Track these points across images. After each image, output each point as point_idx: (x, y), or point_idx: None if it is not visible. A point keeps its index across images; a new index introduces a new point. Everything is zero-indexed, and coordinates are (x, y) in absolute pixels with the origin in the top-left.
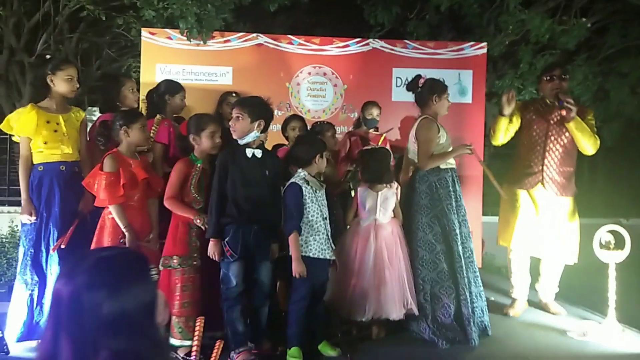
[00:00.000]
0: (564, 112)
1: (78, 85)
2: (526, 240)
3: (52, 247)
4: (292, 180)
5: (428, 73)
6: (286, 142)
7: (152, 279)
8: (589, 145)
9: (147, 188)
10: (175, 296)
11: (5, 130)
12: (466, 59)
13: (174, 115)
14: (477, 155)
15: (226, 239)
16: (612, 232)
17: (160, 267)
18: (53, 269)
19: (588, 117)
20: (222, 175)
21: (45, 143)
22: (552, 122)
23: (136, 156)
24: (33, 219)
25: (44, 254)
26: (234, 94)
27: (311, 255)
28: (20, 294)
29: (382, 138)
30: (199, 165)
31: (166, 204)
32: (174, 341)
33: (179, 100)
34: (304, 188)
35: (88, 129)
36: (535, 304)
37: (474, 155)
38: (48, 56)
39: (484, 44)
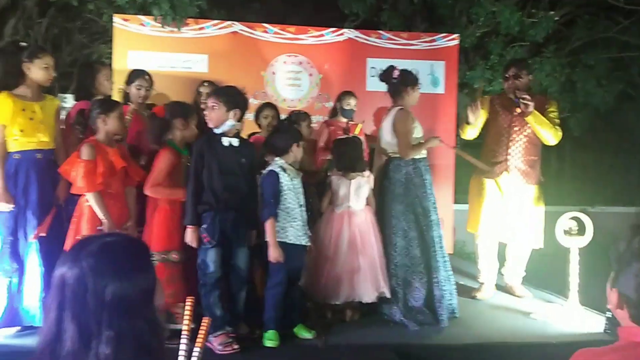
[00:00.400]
0: (518, 110)
1: (55, 74)
2: (493, 227)
3: (30, 235)
4: (270, 168)
5: (401, 63)
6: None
7: (153, 265)
8: (549, 135)
9: (124, 176)
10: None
11: None
12: (438, 50)
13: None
14: (446, 144)
15: (204, 226)
16: (575, 218)
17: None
18: (32, 257)
19: (550, 109)
20: (199, 163)
21: (21, 131)
22: (514, 114)
23: (114, 144)
24: (11, 207)
25: (22, 242)
26: (205, 84)
27: (288, 241)
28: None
29: (359, 128)
30: (185, 155)
31: (150, 192)
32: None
33: (135, 90)
34: (281, 176)
35: (61, 117)
36: (502, 287)
37: (447, 141)
38: (23, 44)
39: (456, 35)
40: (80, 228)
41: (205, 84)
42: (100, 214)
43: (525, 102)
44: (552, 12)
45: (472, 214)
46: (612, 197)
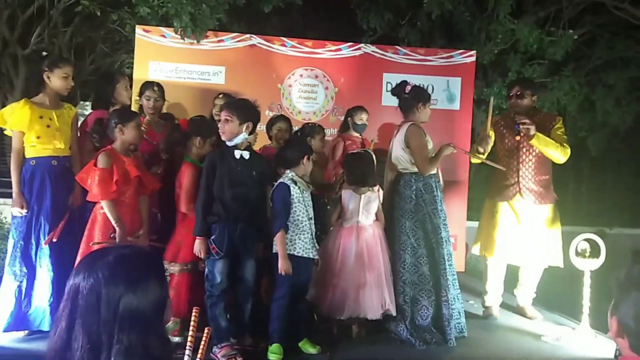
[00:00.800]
0: (518, 137)
1: (72, 84)
2: (507, 250)
3: (42, 240)
4: (281, 180)
5: (418, 79)
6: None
7: (166, 280)
8: (557, 154)
9: (138, 185)
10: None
11: (1, 125)
12: (455, 66)
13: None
14: (460, 149)
15: (212, 237)
16: (589, 240)
17: (175, 272)
18: (43, 262)
19: (556, 126)
20: (210, 175)
21: (38, 138)
22: (522, 135)
23: (129, 154)
24: (24, 212)
25: (34, 247)
26: (220, 96)
27: (296, 253)
28: (9, 285)
29: (372, 144)
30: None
31: (188, 209)
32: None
33: (145, 101)
34: (291, 188)
35: (79, 125)
36: (512, 308)
37: (460, 157)
38: (45, 53)
39: (473, 52)
40: (93, 234)
41: (221, 96)
42: (113, 222)
43: (525, 126)
44: (571, 31)
45: (483, 237)
46: (631, 218)
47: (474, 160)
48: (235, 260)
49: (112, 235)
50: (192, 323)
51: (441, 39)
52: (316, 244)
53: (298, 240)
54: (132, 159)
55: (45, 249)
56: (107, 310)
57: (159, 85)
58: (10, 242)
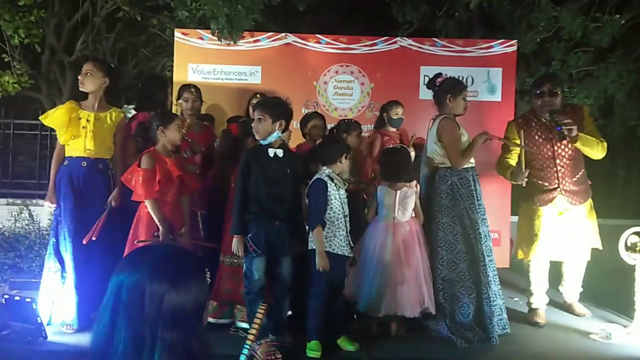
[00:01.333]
0: (564, 141)
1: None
2: (549, 250)
3: (68, 238)
4: (318, 176)
5: (456, 71)
6: (304, 140)
7: (207, 281)
8: (598, 153)
9: (180, 185)
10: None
11: (42, 119)
12: (495, 57)
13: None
14: (495, 136)
15: (249, 235)
16: (639, 234)
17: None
18: (67, 258)
19: (586, 117)
20: (246, 174)
21: (72, 138)
22: (554, 141)
23: (171, 155)
24: (53, 207)
25: (63, 243)
26: (258, 95)
27: (332, 250)
28: (47, 279)
29: (412, 139)
30: None
31: None
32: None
33: (183, 103)
34: (328, 185)
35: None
36: (559, 305)
37: (500, 149)
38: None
39: (514, 41)
40: (137, 233)
41: (258, 95)
42: (157, 220)
43: (568, 127)
44: (618, 16)
45: (525, 241)
46: None
47: (510, 144)
48: (273, 258)
49: (155, 234)
50: (257, 319)
51: (480, 29)
52: (351, 242)
53: (334, 237)
54: (174, 160)
55: (68, 248)
56: (150, 306)
57: (195, 87)
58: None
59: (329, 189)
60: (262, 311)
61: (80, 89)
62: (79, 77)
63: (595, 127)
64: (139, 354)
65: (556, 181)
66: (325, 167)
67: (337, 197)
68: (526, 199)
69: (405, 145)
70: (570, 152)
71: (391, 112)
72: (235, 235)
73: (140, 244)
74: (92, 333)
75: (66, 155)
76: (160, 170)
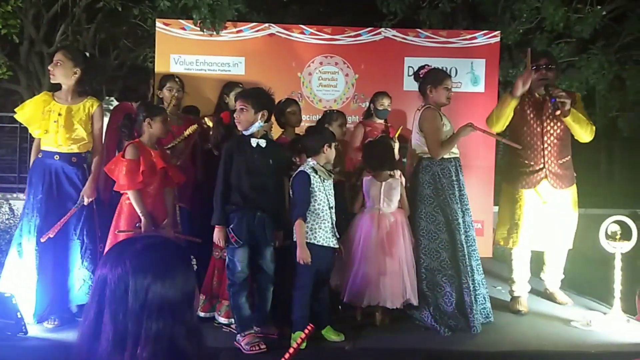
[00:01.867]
0: (558, 112)
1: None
2: (532, 237)
3: (33, 232)
4: (301, 168)
5: (440, 62)
6: (281, 129)
7: (194, 270)
8: (586, 134)
9: (164, 177)
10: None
11: (16, 111)
12: (479, 48)
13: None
14: (479, 128)
15: (231, 226)
16: (619, 222)
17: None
18: (30, 253)
19: (578, 103)
20: (228, 164)
21: (45, 132)
22: (545, 116)
23: (156, 147)
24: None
25: (27, 236)
26: (240, 85)
27: (316, 242)
28: (9, 271)
29: (399, 132)
30: None
31: None
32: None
33: (166, 92)
34: (311, 177)
35: (107, 118)
36: (540, 293)
37: (486, 141)
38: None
39: (497, 32)
40: (119, 224)
41: (240, 85)
42: (139, 211)
43: (562, 100)
44: (599, 7)
45: (504, 226)
46: None
47: (497, 137)
48: (255, 249)
49: (137, 225)
50: (304, 333)
51: (464, 20)
52: (336, 233)
53: (319, 229)
54: (158, 152)
55: (33, 242)
56: (134, 299)
57: (178, 77)
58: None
59: (312, 181)
60: (307, 332)
61: (51, 81)
62: (49, 68)
63: (585, 113)
64: (122, 347)
65: (542, 161)
66: (309, 159)
67: (321, 188)
68: (509, 182)
69: (391, 136)
70: (559, 131)
71: (377, 103)
72: (216, 226)
73: (122, 235)
74: (79, 328)
75: (41, 148)
76: (145, 161)
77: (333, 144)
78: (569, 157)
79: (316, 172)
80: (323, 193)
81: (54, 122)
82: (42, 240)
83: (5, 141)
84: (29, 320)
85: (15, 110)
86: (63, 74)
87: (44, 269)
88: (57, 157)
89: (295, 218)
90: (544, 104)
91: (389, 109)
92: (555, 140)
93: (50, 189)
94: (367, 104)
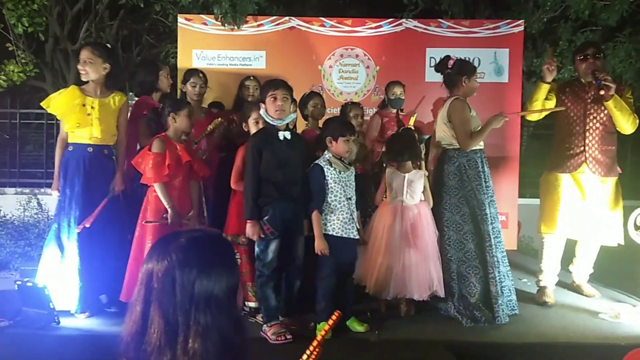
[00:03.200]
0: (602, 92)
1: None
2: (569, 226)
3: (73, 224)
4: (316, 161)
5: (463, 52)
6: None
7: (237, 263)
8: (627, 124)
9: (189, 171)
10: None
11: (43, 105)
12: (502, 37)
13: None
14: (512, 113)
15: (266, 218)
16: None
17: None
18: (71, 246)
19: (627, 95)
20: (256, 158)
21: (77, 125)
22: (589, 101)
23: (182, 140)
24: (56, 194)
25: (66, 230)
26: (251, 78)
27: (334, 234)
28: (46, 265)
29: (413, 119)
30: None
31: (235, 186)
32: (251, 304)
33: (190, 87)
34: (326, 169)
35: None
36: (567, 285)
37: (511, 132)
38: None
39: (521, 21)
40: (146, 215)
41: (251, 77)
42: (165, 203)
43: (607, 83)
44: None
45: (546, 213)
46: None
47: (532, 118)
48: (287, 239)
49: (164, 216)
50: (328, 324)
51: (486, 10)
52: (357, 224)
53: (336, 220)
54: (183, 145)
55: (74, 234)
56: (182, 292)
57: (202, 72)
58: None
59: (327, 174)
60: (334, 319)
61: (83, 79)
62: (78, 67)
63: (633, 106)
64: (174, 341)
65: (582, 143)
66: (326, 151)
67: (337, 180)
68: (550, 168)
69: (405, 125)
70: (602, 116)
71: (389, 92)
72: (250, 221)
73: (149, 225)
74: (125, 323)
75: (70, 141)
76: (170, 154)
77: (341, 138)
78: (614, 147)
79: (331, 165)
80: (339, 185)
81: (88, 115)
82: (78, 230)
83: (32, 137)
84: (73, 311)
85: (42, 104)
86: (94, 70)
87: (85, 260)
88: (90, 149)
89: (312, 210)
90: (589, 89)
91: (402, 98)
92: (598, 125)
93: (86, 181)
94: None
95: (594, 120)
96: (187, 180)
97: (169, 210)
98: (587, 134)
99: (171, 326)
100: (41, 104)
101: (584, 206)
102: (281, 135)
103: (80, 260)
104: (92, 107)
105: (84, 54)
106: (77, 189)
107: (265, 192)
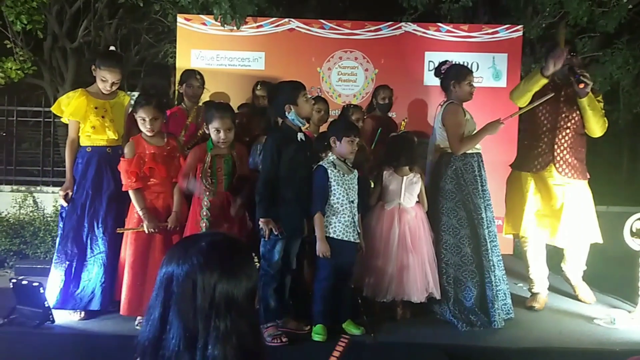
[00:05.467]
0: (581, 85)
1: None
2: (540, 228)
3: (96, 224)
4: (320, 163)
5: (461, 57)
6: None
7: (256, 267)
8: (598, 126)
9: (171, 171)
10: None
11: (55, 112)
12: (501, 42)
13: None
14: (508, 117)
15: (280, 218)
16: None
17: None
18: (95, 244)
19: (597, 99)
20: (275, 157)
21: (93, 128)
22: (562, 99)
23: (156, 141)
24: (70, 194)
25: (86, 229)
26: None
27: (335, 236)
28: (60, 264)
29: (403, 124)
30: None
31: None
32: None
33: (187, 88)
34: (329, 171)
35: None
36: (562, 290)
37: (508, 137)
38: (112, 48)
39: (520, 26)
40: (130, 223)
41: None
42: (138, 209)
43: (585, 79)
44: (625, 0)
45: (511, 214)
46: None
47: (524, 110)
48: (289, 240)
49: (140, 225)
50: (339, 349)
51: (485, 15)
52: (358, 228)
53: (338, 223)
54: (156, 147)
55: (98, 232)
56: (203, 297)
57: (200, 73)
58: (60, 224)
59: (330, 176)
60: (344, 344)
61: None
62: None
63: (602, 110)
64: (192, 346)
65: (551, 144)
66: (330, 153)
67: (340, 182)
68: (517, 166)
69: (396, 130)
70: (575, 115)
71: (378, 97)
72: (263, 219)
73: (124, 232)
74: (142, 327)
75: (87, 144)
76: (138, 160)
77: (345, 138)
78: (584, 150)
79: (335, 167)
80: (342, 187)
81: (102, 118)
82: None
83: (29, 135)
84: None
85: (53, 110)
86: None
87: (111, 259)
88: (109, 150)
89: (314, 212)
90: (562, 88)
91: (390, 102)
92: (569, 125)
93: (108, 181)
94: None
95: (565, 119)
96: (169, 183)
97: (142, 217)
98: (558, 132)
99: (191, 331)
100: (52, 110)
101: (552, 208)
102: (299, 136)
103: (106, 258)
104: (105, 110)
105: (112, 72)
106: (104, 188)
107: (283, 193)
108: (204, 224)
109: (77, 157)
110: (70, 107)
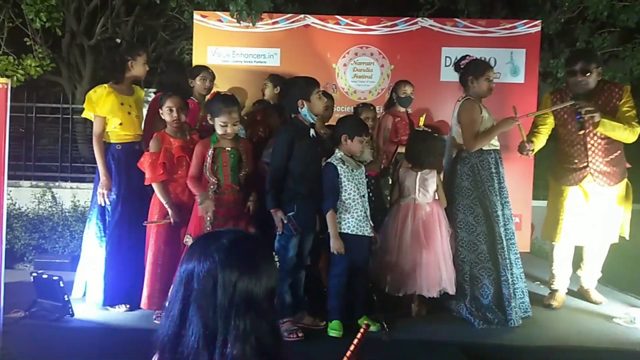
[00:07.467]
0: (580, 133)
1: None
2: (575, 233)
3: (132, 219)
4: (329, 160)
5: (479, 52)
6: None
7: (276, 265)
8: (625, 136)
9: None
10: None
11: (87, 109)
12: (519, 37)
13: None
14: (523, 116)
15: (292, 214)
16: None
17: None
18: (133, 240)
19: (624, 100)
20: (287, 151)
21: (120, 124)
22: (586, 126)
23: (181, 135)
24: (110, 193)
25: (127, 225)
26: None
27: (349, 232)
28: (92, 259)
29: (422, 119)
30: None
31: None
32: None
33: (199, 82)
34: (339, 168)
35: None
36: (574, 292)
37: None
38: (118, 40)
39: (538, 21)
40: (151, 215)
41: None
42: (164, 202)
43: (589, 115)
44: None
45: (549, 221)
46: None
47: (542, 112)
48: (303, 236)
49: (167, 216)
50: (358, 337)
51: (503, 9)
52: (371, 222)
53: (350, 218)
54: (182, 141)
55: (125, 228)
56: (223, 294)
57: (210, 69)
58: (93, 221)
59: (340, 172)
60: (363, 331)
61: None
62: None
63: (633, 111)
64: (212, 344)
65: (585, 160)
66: (337, 150)
67: (350, 178)
68: (554, 178)
69: (415, 125)
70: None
71: (399, 91)
72: (272, 209)
73: (150, 225)
74: (161, 324)
75: (115, 140)
76: (166, 152)
77: (357, 137)
78: (619, 152)
79: (344, 163)
80: (352, 183)
81: (129, 115)
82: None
83: (48, 131)
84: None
85: (85, 107)
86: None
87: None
88: (137, 146)
89: (327, 209)
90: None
91: (412, 97)
92: (599, 140)
93: (139, 176)
94: (389, 93)
95: (595, 136)
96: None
97: (168, 209)
98: (590, 150)
99: (210, 329)
100: (84, 106)
101: (588, 213)
102: (311, 132)
103: (131, 256)
104: (130, 106)
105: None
106: (134, 185)
107: (294, 188)
108: (209, 219)
109: (107, 155)
110: (101, 103)
